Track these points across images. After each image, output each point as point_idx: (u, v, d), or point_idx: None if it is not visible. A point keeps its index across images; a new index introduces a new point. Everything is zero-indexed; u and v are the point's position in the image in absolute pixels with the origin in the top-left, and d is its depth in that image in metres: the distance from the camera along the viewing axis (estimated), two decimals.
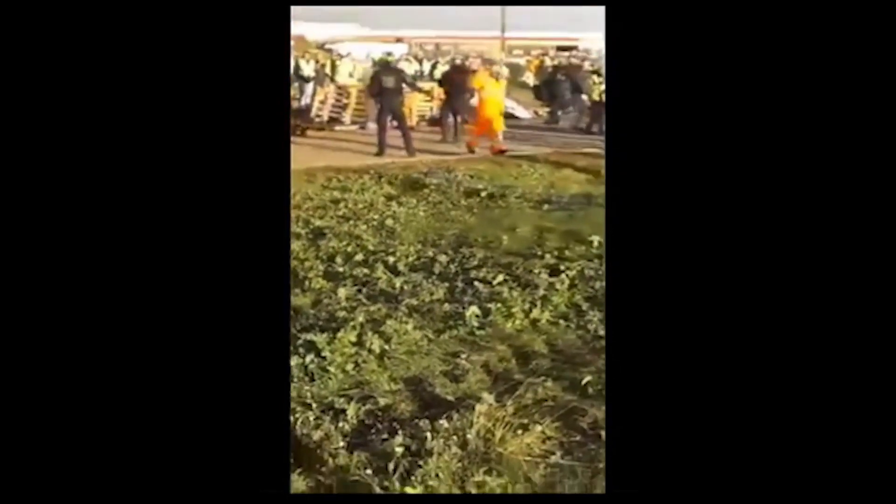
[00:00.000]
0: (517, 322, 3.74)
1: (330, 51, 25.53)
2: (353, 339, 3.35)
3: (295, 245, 5.27)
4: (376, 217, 6.31)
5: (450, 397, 2.94)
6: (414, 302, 4.00)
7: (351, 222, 6.15)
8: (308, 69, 14.40)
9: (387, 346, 3.37)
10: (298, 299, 4.07)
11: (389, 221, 6.15)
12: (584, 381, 2.97)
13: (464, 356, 3.32)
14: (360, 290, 4.24)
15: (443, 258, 4.88)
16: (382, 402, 2.86)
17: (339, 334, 3.36)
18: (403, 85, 10.65)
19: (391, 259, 4.84)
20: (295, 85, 13.87)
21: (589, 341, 3.52)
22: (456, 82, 11.86)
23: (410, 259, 4.91)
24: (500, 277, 4.35)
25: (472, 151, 10.37)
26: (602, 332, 3.47)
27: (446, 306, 3.95)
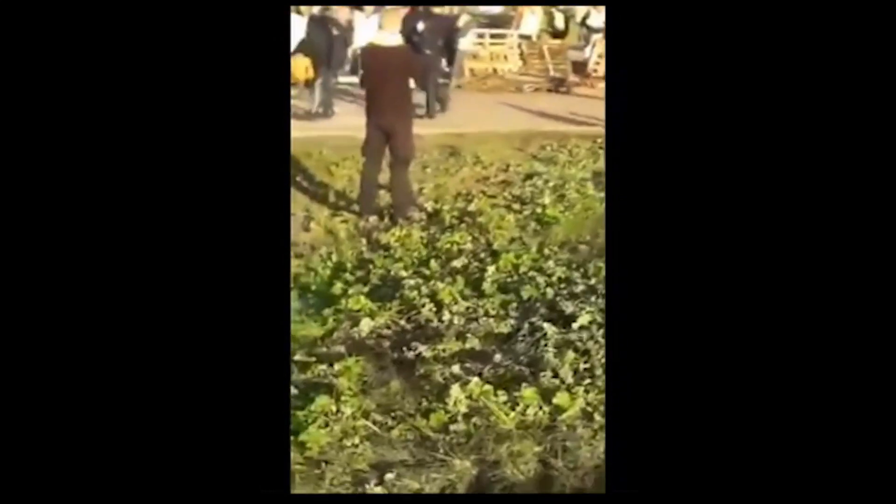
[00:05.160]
0: (538, 411, 2.61)
1: None
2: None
3: (415, 234, 4.59)
4: (542, 204, 5.31)
5: None
6: (428, 354, 3.04)
7: (507, 209, 5.26)
8: (597, 20, 13.35)
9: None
10: (307, 328, 3.36)
11: (551, 212, 5.13)
12: None
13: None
14: (403, 319, 3.43)
15: (559, 272, 3.83)
16: None
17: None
18: None
19: (490, 270, 3.91)
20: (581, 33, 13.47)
21: None
22: None
23: (518, 270, 3.95)
24: (588, 317, 3.18)
25: None
26: None
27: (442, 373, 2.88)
